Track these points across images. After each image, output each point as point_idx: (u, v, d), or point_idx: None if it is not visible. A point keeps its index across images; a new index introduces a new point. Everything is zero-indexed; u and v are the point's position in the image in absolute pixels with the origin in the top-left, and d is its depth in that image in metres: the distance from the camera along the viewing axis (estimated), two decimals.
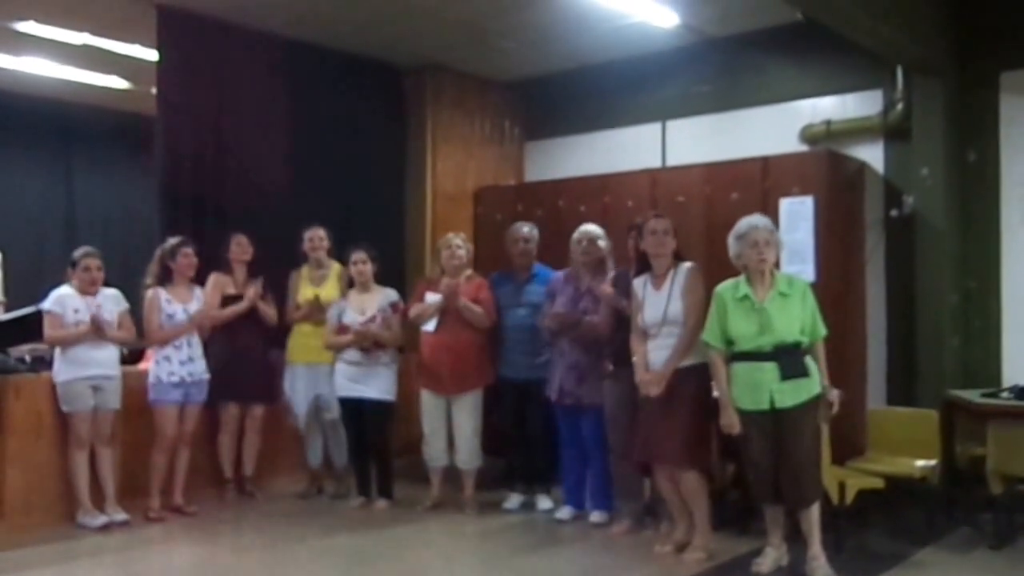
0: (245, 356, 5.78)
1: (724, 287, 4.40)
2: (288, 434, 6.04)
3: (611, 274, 5.12)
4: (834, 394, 4.30)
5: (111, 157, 9.08)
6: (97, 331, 5.13)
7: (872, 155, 6.23)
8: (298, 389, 5.89)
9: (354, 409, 5.62)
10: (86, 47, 6.92)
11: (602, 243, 5.27)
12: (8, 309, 6.26)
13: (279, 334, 5.95)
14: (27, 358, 5.50)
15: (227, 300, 5.76)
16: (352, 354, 5.57)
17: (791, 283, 4.35)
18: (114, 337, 5.24)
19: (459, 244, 5.62)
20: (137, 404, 5.39)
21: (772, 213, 5.41)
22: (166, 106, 6.31)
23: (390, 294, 5.72)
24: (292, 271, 6.05)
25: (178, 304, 5.47)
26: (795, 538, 4.37)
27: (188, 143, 6.38)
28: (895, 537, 4.96)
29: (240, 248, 5.84)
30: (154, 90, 6.40)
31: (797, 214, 5.74)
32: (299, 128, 6.88)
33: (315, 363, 5.81)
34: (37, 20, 6.44)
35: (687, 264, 4.66)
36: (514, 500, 5.63)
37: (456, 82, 7.65)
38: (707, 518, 4.57)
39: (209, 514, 5.53)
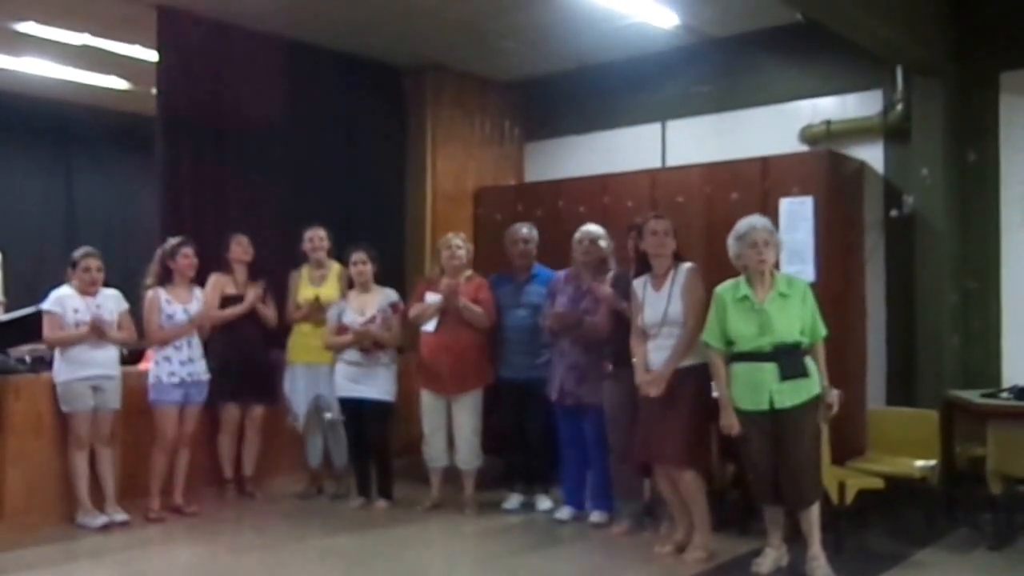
0: (245, 356, 5.78)
1: (724, 288, 4.40)
2: (288, 434, 6.04)
3: (610, 274, 5.12)
4: (834, 395, 4.31)
5: (111, 158, 9.09)
6: (98, 333, 5.13)
7: (872, 155, 6.24)
8: (298, 389, 5.89)
9: (354, 409, 5.62)
10: (86, 48, 6.93)
11: (603, 243, 5.27)
12: (8, 309, 6.26)
13: (279, 334, 5.95)
14: (27, 358, 5.50)
15: (227, 300, 5.76)
16: (352, 354, 5.57)
17: (791, 283, 4.35)
18: (114, 338, 5.25)
19: (459, 244, 5.62)
20: (137, 404, 5.39)
21: (772, 213, 5.42)
22: (166, 107, 6.32)
23: (390, 294, 5.72)
24: (292, 271, 6.05)
25: (178, 304, 5.47)
26: (795, 538, 4.37)
27: (188, 143, 6.38)
28: (895, 537, 4.96)
29: (241, 248, 5.84)
30: (154, 91, 6.40)
31: (797, 214, 5.74)
32: (299, 128, 6.88)
33: (315, 363, 5.81)
34: (37, 21, 6.44)
35: (687, 264, 4.66)
36: (514, 500, 5.63)
37: (456, 82, 7.65)
38: (706, 517, 4.57)
39: (209, 514, 5.53)
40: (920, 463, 4.98)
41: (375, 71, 7.41)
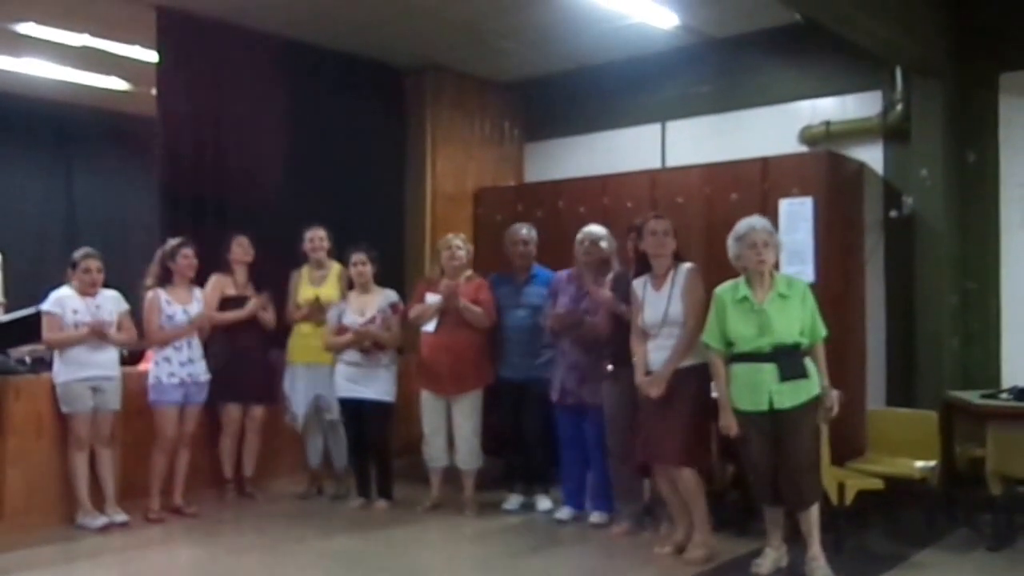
0: (245, 357, 5.78)
1: (723, 288, 4.40)
2: (288, 435, 6.04)
3: (611, 275, 5.12)
4: (833, 395, 4.30)
5: (111, 158, 9.08)
6: (99, 335, 5.13)
7: (871, 156, 6.24)
8: (298, 389, 5.89)
9: (354, 410, 5.62)
10: (86, 48, 6.92)
11: (604, 244, 5.27)
12: (8, 310, 6.26)
13: (279, 335, 5.95)
14: (27, 359, 5.50)
15: (227, 301, 5.76)
16: (352, 355, 5.57)
17: (790, 284, 4.36)
18: (115, 339, 5.25)
19: (459, 245, 5.62)
20: (137, 405, 5.39)
21: (772, 214, 5.42)
22: (166, 107, 6.32)
23: (390, 295, 5.72)
24: (292, 271, 6.05)
25: (178, 305, 5.47)
26: (795, 539, 4.37)
27: (188, 144, 6.39)
28: (894, 538, 4.96)
29: (241, 249, 5.84)
30: (154, 91, 6.40)
31: (796, 215, 5.74)
32: (299, 129, 6.88)
33: (315, 364, 5.81)
34: (37, 21, 6.44)
35: (687, 265, 4.66)
36: (514, 501, 5.64)
37: (456, 83, 7.65)
38: (706, 516, 4.57)
39: (209, 515, 5.54)
40: (920, 464, 4.99)
41: (375, 71, 7.41)
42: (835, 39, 5.58)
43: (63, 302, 5.14)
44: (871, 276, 6.18)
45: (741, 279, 4.36)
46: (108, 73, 7.64)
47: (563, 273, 5.42)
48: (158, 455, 5.40)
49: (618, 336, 4.87)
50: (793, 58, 6.56)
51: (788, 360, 4.20)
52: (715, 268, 4.69)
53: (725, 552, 4.60)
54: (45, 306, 5.13)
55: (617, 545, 4.90)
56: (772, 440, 4.24)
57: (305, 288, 5.96)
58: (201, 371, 5.54)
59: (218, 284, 5.78)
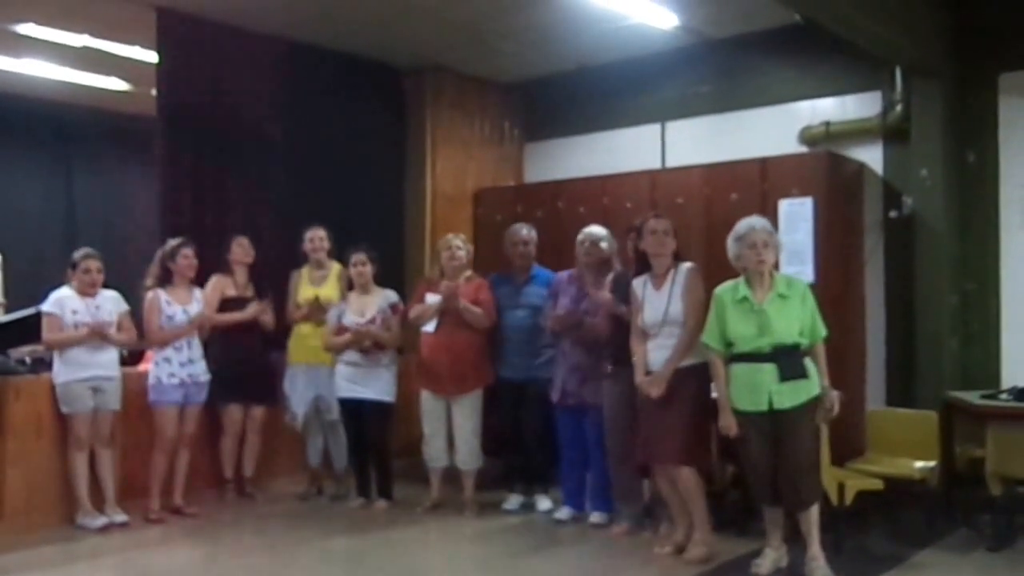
0: (245, 357, 5.78)
1: (723, 289, 4.40)
2: (288, 435, 6.05)
3: (611, 276, 5.12)
4: (834, 396, 4.30)
5: (111, 159, 9.08)
6: (99, 336, 5.13)
7: (871, 156, 6.24)
8: (297, 389, 5.89)
9: (354, 410, 5.62)
10: (86, 49, 6.92)
11: (604, 245, 5.27)
12: (8, 310, 6.27)
13: (279, 335, 5.95)
14: (27, 359, 5.51)
15: (227, 302, 5.76)
16: (352, 355, 5.57)
17: (790, 284, 4.36)
18: (115, 339, 5.25)
19: (459, 245, 5.62)
20: (137, 405, 5.39)
21: (771, 214, 5.43)
22: (166, 108, 6.32)
23: (390, 295, 5.72)
24: (292, 271, 6.05)
25: (178, 306, 5.47)
26: (794, 539, 4.37)
27: (188, 144, 6.39)
28: (894, 538, 4.96)
29: (242, 250, 5.84)
30: (154, 92, 6.40)
31: (796, 215, 5.75)
32: (299, 129, 6.88)
33: (315, 364, 5.81)
34: (37, 22, 6.44)
35: (687, 264, 4.67)
36: (513, 501, 5.64)
37: (456, 83, 7.65)
38: (706, 515, 4.57)
39: (209, 515, 5.54)
40: (919, 464, 4.99)
41: (375, 72, 7.41)
42: (835, 40, 5.58)
43: (63, 302, 5.14)
44: (871, 276, 6.18)
45: (741, 279, 4.37)
46: (108, 74, 7.64)
47: (564, 274, 5.42)
48: (158, 455, 5.40)
49: (618, 336, 4.87)
50: (793, 59, 6.56)
51: (788, 360, 4.21)
52: (715, 268, 4.69)
53: (725, 552, 4.60)
54: (45, 306, 5.13)
55: (617, 545, 4.90)
56: (772, 440, 4.24)
57: (305, 288, 5.97)
58: (201, 371, 5.54)
59: (218, 285, 5.78)
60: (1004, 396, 4.99)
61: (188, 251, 5.55)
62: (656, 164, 7.12)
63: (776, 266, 4.50)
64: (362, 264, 5.64)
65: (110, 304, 5.28)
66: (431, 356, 5.53)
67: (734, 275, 4.42)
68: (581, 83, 7.57)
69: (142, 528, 5.23)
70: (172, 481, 5.50)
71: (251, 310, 5.74)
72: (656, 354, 4.59)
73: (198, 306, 5.56)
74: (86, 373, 5.11)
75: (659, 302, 4.60)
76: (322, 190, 6.82)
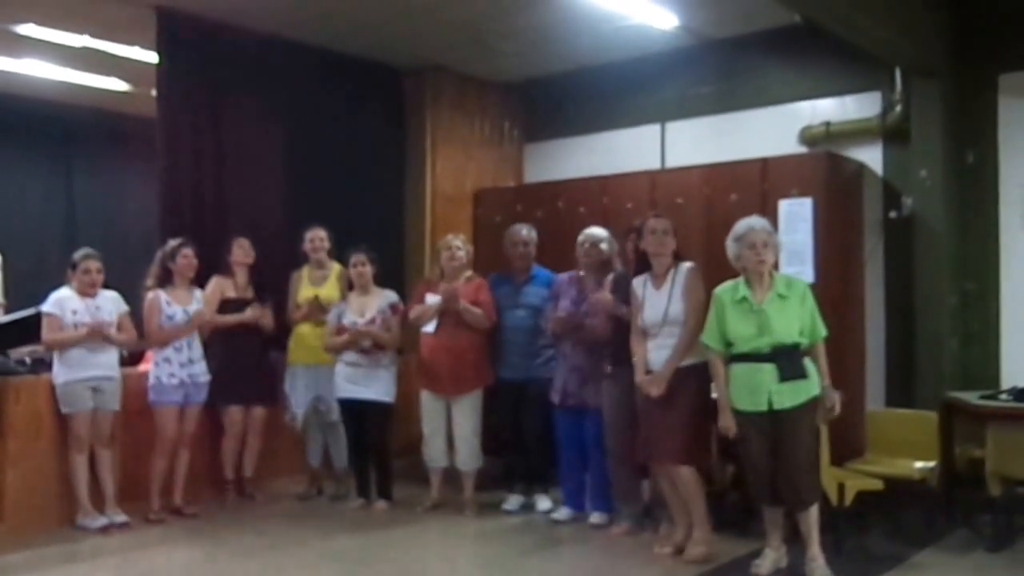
0: (245, 358, 5.78)
1: (723, 289, 4.41)
2: (288, 435, 6.05)
3: (611, 276, 5.11)
4: (834, 396, 4.30)
5: (111, 159, 9.09)
6: (102, 337, 5.13)
7: (871, 157, 6.24)
8: (297, 390, 5.89)
9: (353, 410, 5.62)
10: (86, 49, 6.92)
11: (604, 246, 5.27)
12: (8, 311, 6.27)
13: (279, 335, 5.96)
14: (27, 360, 5.51)
15: (227, 303, 5.76)
16: (352, 355, 5.57)
17: (790, 284, 4.36)
18: (116, 340, 5.25)
19: (458, 246, 5.63)
20: (137, 406, 5.39)
21: (771, 214, 5.42)
22: (166, 108, 6.31)
23: (389, 296, 5.72)
24: (293, 272, 6.06)
25: (178, 306, 5.47)
26: (794, 539, 4.38)
27: (188, 145, 6.39)
28: (894, 539, 4.96)
29: (242, 251, 5.84)
30: (154, 92, 6.40)
31: (796, 215, 5.75)
32: (299, 129, 6.88)
33: (315, 364, 5.81)
34: (37, 23, 6.44)
35: (687, 264, 4.67)
36: (513, 501, 5.64)
37: (456, 83, 7.65)
38: (705, 514, 4.58)
39: (209, 516, 5.54)
40: (919, 464, 4.99)
41: (374, 72, 7.41)
42: (835, 40, 5.59)
43: (63, 303, 5.14)
44: (870, 277, 6.18)
45: (740, 279, 4.37)
46: (108, 74, 7.64)
47: (564, 276, 5.42)
48: (158, 456, 5.40)
49: (618, 337, 4.87)
50: (793, 59, 6.56)
51: (787, 360, 4.21)
52: (715, 268, 4.69)
53: (725, 553, 4.60)
54: (45, 307, 5.13)
55: (617, 545, 4.90)
56: (771, 440, 4.24)
57: (305, 288, 5.97)
58: (201, 372, 5.54)
59: (218, 286, 5.78)
60: (1004, 396, 5.00)
61: (188, 251, 5.55)
62: (656, 164, 7.12)
63: (776, 266, 4.51)
64: (362, 265, 5.64)
65: (110, 304, 5.28)
66: (431, 356, 5.54)
67: (734, 275, 4.42)
68: (581, 83, 7.57)
69: (142, 528, 5.23)
70: (172, 481, 5.51)
71: (250, 313, 5.73)
72: (656, 354, 4.59)
73: (198, 306, 5.56)
74: (86, 373, 5.11)
75: (659, 302, 4.60)
76: (322, 190, 6.82)
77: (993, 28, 5.80)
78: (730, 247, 4.38)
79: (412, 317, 5.59)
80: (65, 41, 6.76)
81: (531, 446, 5.57)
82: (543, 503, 5.60)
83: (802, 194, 5.76)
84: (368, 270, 5.65)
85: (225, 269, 5.83)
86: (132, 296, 5.48)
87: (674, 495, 4.64)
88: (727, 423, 4.33)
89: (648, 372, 4.60)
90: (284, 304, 5.98)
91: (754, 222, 4.37)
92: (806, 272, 5.57)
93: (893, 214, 6.10)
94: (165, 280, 5.53)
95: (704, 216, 6.05)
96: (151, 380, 5.40)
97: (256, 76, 6.68)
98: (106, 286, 5.31)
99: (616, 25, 6.47)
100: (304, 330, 5.90)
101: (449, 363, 5.47)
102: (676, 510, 4.67)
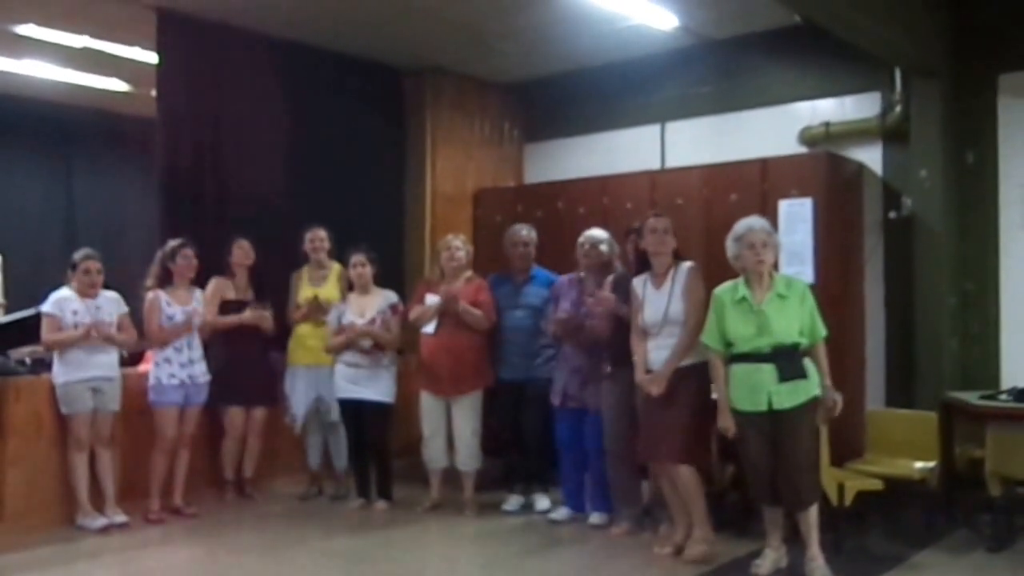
0: (245, 359, 5.78)
1: (723, 289, 4.41)
2: (288, 435, 6.04)
3: (611, 277, 5.11)
4: (836, 396, 4.30)
5: (111, 159, 9.10)
6: (105, 337, 5.13)
7: (871, 157, 6.25)
8: (298, 390, 5.89)
9: (353, 410, 5.62)
10: (86, 50, 6.93)
11: (604, 248, 5.27)
12: (8, 311, 6.27)
13: (280, 336, 5.95)
14: (27, 360, 5.51)
15: (227, 305, 5.75)
16: (352, 356, 5.57)
17: (789, 284, 4.36)
18: (118, 340, 5.25)
19: (458, 246, 5.63)
20: (137, 406, 5.39)
21: (771, 215, 5.43)
22: (166, 109, 6.32)
23: (389, 296, 5.72)
24: (293, 272, 6.06)
25: (178, 306, 5.47)
26: (794, 540, 4.37)
27: (188, 145, 6.39)
28: (894, 539, 4.96)
29: (242, 252, 5.84)
30: (154, 93, 6.41)
31: (796, 216, 5.75)
32: (299, 130, 6.89)
33: (315, 365, 5.81)
34: (37, 23, 6.45)
35: (687, 264, 4.67)
36: (513, 502, 5.63)
37: (455, 84, 7.66)
38: (705, 514, 4.57)
39: (209, 516, 5.54)
40: (919, 465, 4.98)
41: (375, 73, 7.42)
42: (834, 40, 5.59)
43: (63, 303, 5.14)
44: (870, 277, 6.18)
45: (740, 280, 4.37)
46: (108, 75, 7.65)
47: (564, 278, 5.42)
48: (158, 456, 5.40)
49: (618, 338, 4.87)
50: (792, 59, 6.57)
51: (787, 360, 4.21)
52: (715, 269, 4.69)
53: (725, 553, 4.60)
54: (45, 307, 5.13)
55: (617, 546, 4.90)
56: (771, 440, 4.24)
57: (305, 288, 5.97)
58: (201, 372, 5.54)
59: (218, 288, 5.78)
60: (1003, 397, 4.99)
61: (188, 252, 5.55)
62: (656, 165, 7.13)
63: (776, 266, 4.51)
64: (362, 265, 5.64)
65: (110, 305, 5.28)
66: (431, 357, 5.54)
67: (734, 275, 4.42)
68: (581, 84, 7.58)
69: (142, 529, 5.23)
70: (172, 482, 5.51)
71: (248, 314, 5.72)
72: (656, 354, 4.59)
73: (198, 307, 5.56)
74: (86, 374, 5.11)
75: (659, 301, 4.61)
76: (322, 191, 6.83)
77: (993, 28, 5.81)
78: (729, 247, 4.38)
79: (412, 318, 5.59)
80: (65, 41, 6.77)
81: (531, 446, 5.57)
82: (542, 502, 5.59)
83: (802, 194, 5.76)
84: (368, 271, 5.65)
85: (225, 270, 5.83)
86: (132, 296, 5.48)
87: (674, 495, 4.64)
88: (726, 423, 4.33)
89: (648, 372, 4.60)
90: (284, 305, 5.98)
91: (753, 222, 4.37)
92: (806, 272, 5.57)
93: (893, 214, 6.11)
94: (165, 280, 5.53)
95: (704, 216, 6.05)
96: (151, 380, 5.40)
97: (256, 76, 6.69)
98: (106, 286, 5.31)
99: (616, 25, 6.48)
100: (304, 331, 5.90)
101: (449, 363, 5.48)
102: (676, 510, 4.66)
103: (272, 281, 5.95)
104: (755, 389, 4.23)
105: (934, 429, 5.09)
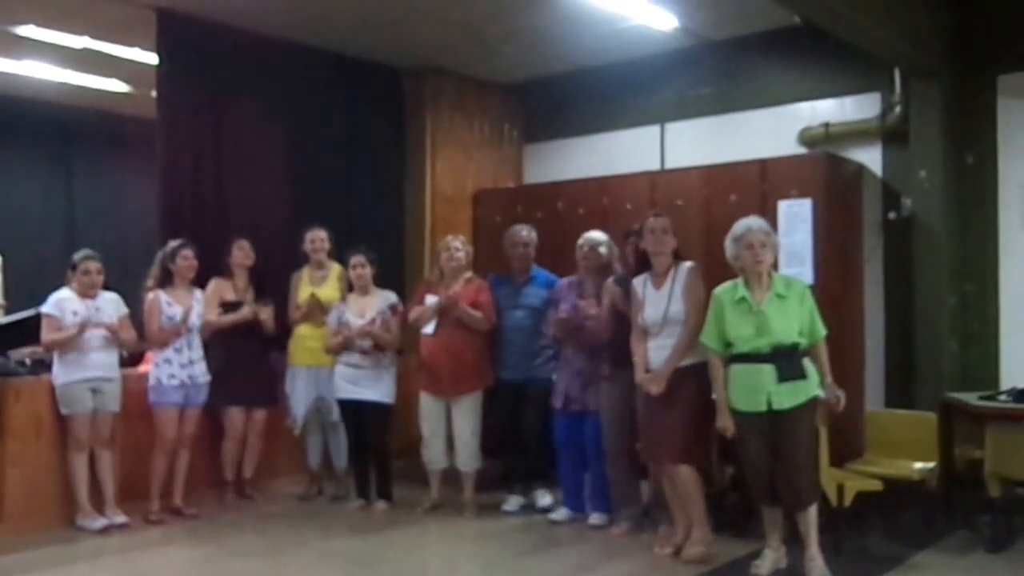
0: (246, 359, 5.78)
1: (722, 290, 4.41)
2: (288, 436, 6.04)
3: (611, 279, 5.10)
4: (839, 392, 4.29)
5: (111, 160, 9.10)
6: (112, 336, 5.13)
7: (870, 158, 6.25)
8: (298, 390, 5.89)
9: (353, 411, 5.63)
10: (86, 51, 6.93)
11: (603, 250, 5.27)
12: (8, 312, 6.27)
13: (280, 336, 5.96)
14: (27, 361, 5.51)
15: (226, 306, 5.75)
16: (351, 356, 5.57)
17: (788, 285, 4.36)
18: (120, 340, 5.25)
19: (458, 247, 5.63)
20: (136, 406, 5.40)
21: (771, 215, 5.44)
22: (166, 109, 6.32)
23: (389, 297, 5.73)
24: (293, 272, 6.06)
25: (178, 307, 5.47)
26: (794, 540, 4.37)
27: (188, 146, 6.39)
28: (893, 539, 4.96)
29: (242, 252, 5.84)
30: (154, 93, 6.41)
31: (796, 216, 5.75)
32: (299, 130, 6.89)
33: (316, 365, 5.81)
34: (37, 24, 6.45)
35: (687, 264, 4.68)
36: (513, 502, 5.64)
37: (455, 85, 7.66)
38: (704, 514, 4.58)
39: (209, 516, 5.54)
40: (918, 465, 4.99)
41: (374, 73, 7.42)
42: (834, 41, 5.59)
43: (62, 304, 5.14)
44: (870, 278, 6.18)
45: (739, 280, 4.37)
46: (108, 75, 7.65)
47: (564, 280, 5.43)
48: (158, 456, 5.41)
49: (618, 339, 4.87)
50: (792, 60, 6.57)
51: (786, 361, 4.21)
52: (714, 269, 4.69)
53: (724, 554, 4.60)
54: (45, 308, 5.14)
55: (616, 546, 4.90)
56: (770, 441, 4.25)
57: (305, 288, 5.97)
58: (201, 373, 5.55)
59: (217, 289, 5.78)
60: (1003, 397, 5.00)
61: (188, 252, 5.56)
62: (655, 165, 7.13)
63: (775, 266, 4.51)
64: (361, 266, 5.65)
65: (110, 306, 5.29)
66: (430, 358, 5.54)
67: (733, 276, 4.42)
68: (581, 84, 7.58)
69: (142, 529, 5.23)
70: (172, 482, 5.51)
71: (246, 311, 5.72)
72: (657, 353, 4.60)
73: (198, 307, 5.57)
74: (86, 374, 5.11)
75: (660, 301, 4.61)
76: (322, 191, 6.83)
77: (992, 29, 5.81)
78: (728, 248, 4.39)
79: (411, 318, 5.60)
80: (65, 42, 6.76)
81: (531, 446, 5.57)
82: (544, 499, 5.60)
83: (801, 195, 5.76)
84: (367, 271, 5.66)
85: (225, 271, 5.83)
86: (132, 297, 5.48)
87: (674, 495, 4.64)
88: (725, 423, 4.33)
89: (648, 371, 4.60)
90: (285, 305, 5.98)
91: (752, 222, 4.38)
92: (805, 273, 5.57)
93: (892, 215, 6.11)
94: (165, 281, 5.53)
95: (703, 217, 6.05)
96: (151, 381, 5.41)
97: (256, 77, 6.69)
98: (106, 287, 5.31)
99: (616, 26, 6.48)
100: (304, 331, 5.90)
101: (449, 364, 5.48)
102: (676, 511, 4.67)
103: (272, 282, 5.95)
104: (754, 389, 4.23)
105: (933, 430, 5.10)
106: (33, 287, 5.82)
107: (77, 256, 5.27)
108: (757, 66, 6.73)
